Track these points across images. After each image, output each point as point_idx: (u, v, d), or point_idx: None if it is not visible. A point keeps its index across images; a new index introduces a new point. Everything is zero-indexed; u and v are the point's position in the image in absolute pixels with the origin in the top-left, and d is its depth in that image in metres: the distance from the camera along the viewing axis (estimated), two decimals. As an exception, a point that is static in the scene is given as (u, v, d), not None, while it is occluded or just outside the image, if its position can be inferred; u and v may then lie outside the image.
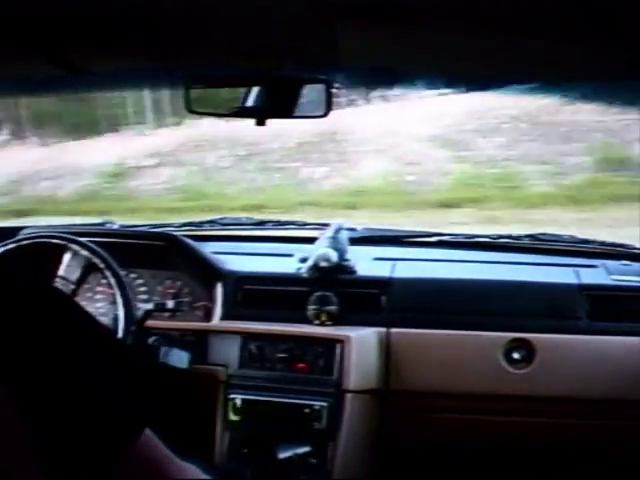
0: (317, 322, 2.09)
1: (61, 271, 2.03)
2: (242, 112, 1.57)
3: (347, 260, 2.15)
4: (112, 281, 2.00)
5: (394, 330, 2.06)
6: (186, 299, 2.13)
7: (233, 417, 2.01)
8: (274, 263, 2.24)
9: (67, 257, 2.05)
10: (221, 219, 2.52)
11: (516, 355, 2.01)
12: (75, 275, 2.04)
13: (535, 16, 0.94)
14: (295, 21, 1.09)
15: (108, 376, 0.89)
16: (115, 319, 2.03)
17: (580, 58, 1.06)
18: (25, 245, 2.08)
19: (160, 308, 2.08)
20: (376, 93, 6.17)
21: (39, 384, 0.83)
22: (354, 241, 2.22)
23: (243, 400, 2.01)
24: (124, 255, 2.09)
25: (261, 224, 2.54)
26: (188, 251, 2.19)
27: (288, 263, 2.19)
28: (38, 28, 1.08)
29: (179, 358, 1.99)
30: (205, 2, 1.03)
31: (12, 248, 2.08)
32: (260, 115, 1.54)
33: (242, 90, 1.57)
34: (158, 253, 2.19)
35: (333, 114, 1.53)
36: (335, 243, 2.13)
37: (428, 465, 2.15)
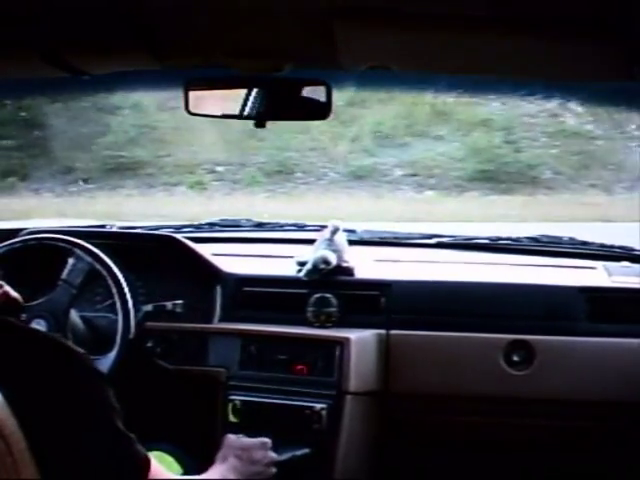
0: (317, 324, 2.08)
1: (64, 274, 2.02)
2: (242, 114, 1.57)
3: (346, 262, 2.14)
4: (113, 290, 2.00)
5: (394, 332, 2.06)
6: (185, 301, 2.12)
7: (233, 419, 2.01)
8: (273, 265, 2.24)
9: (71, 261, 2.03)
10: (220, 221, 2.52)
11: (516, 357, 2.01)
12: (78, 280, 2.02)
13: (535, 16, 0.94)
14: (295, 22, 1.09)
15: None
16: (114, 325, 2.02)
17: (580, 58, 1.06)
18: (31, 245, 2.06)
19: (159, 310, 2.08)
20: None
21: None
22: (353, 243, 2.22)
23: (243, 402, 2.01)
24: (123, 257, 2.08)
25: (260, 226, 2.54)
26: (187, 253, 2.18)
27: (287, 265, 2.18)
28: (38, 29, 1.08)
29: None
30: (204, 4, 1.03)
31: (18, 247, 2.06)
32: (260, 117, 1.54)
33: (242, 92, 1.57)
34: (157, 255, 2.18)
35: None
36: (332, 245, 2.12)
37: (428, 466, 2.15)
